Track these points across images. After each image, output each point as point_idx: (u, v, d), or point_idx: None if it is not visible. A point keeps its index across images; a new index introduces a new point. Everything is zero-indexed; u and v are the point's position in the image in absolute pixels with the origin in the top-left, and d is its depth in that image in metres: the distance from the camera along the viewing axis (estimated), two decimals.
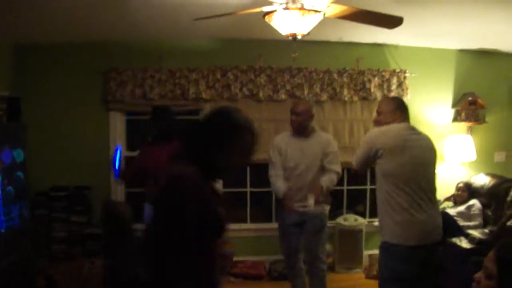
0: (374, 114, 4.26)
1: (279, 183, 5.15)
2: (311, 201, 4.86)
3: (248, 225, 6.93)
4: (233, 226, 6.76)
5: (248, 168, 6.79)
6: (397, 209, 3.75)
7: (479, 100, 6.51)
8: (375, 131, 4.04)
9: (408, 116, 4.07)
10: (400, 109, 4.03)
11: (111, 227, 3.90)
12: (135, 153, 6.17)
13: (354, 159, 4.20)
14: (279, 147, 5.22)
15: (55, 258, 6.07)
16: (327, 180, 5.05)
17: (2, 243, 4.94)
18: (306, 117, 5.09)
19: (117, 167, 5.02)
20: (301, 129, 5.12)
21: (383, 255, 3.91)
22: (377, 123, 4.12)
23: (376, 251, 5.37)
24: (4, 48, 6.19)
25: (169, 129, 4.94)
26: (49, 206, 6.18)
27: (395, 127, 3.91)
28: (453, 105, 6.75)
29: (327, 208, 5.22)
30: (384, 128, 3.94)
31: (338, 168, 5.16)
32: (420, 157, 3.84)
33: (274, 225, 6.42)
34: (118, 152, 4.97)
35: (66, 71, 6.45)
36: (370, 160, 3.98)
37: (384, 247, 3.88)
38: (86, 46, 6.41)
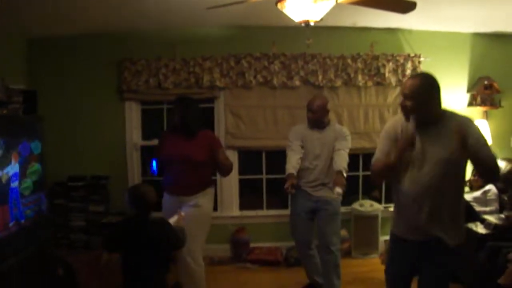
0: (407, 101, 3.36)
1: (288, 163, 5.19)
2: (338, 190, 4.85)
3: (265, 212, 6.96)
4: (249, 213, 6.89)
5: (263, 155, 6.83)
6: None
7: (495, 84, 6.44)
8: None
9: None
10: (436, 90, 3.42)
11: (138, 208, 3.93)
12: (151, 143, 6.36)
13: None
14: (300, 134, 5.25)
15: (74, 248, 6.15)
16: (341, 161, 5.02)
17: (22, 233, 5.00)
18: (322, 113, 5.14)
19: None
20: (318, 124, 5.18)
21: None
22: (406, 110, 3.39)
23: None
24: (18, 42, 6.28)
25: (195, 121, 4.99)
26: (67, 196, 6.26)
27: None
28: (468, 90, 6.68)
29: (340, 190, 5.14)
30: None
31: (347, 149, 5.12)
32: None
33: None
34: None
35: (80, 63, 6.53)
36: None
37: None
38: (99, 37, 6.46)
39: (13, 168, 4.87)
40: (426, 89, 3.38)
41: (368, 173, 6.45)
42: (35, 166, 5.36)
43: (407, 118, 3.44)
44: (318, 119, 5.14)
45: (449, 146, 3.24)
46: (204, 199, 4.91)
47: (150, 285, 3.85)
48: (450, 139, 3.21)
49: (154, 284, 3.87)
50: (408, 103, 3.35)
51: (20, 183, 5.00)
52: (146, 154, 6.67)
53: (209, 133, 5.15)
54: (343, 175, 4.93)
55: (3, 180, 4.68)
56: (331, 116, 5.34)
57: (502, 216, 5.51)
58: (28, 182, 5.18)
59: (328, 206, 5.11)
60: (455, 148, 3.17)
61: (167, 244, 3.95)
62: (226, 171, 5.06)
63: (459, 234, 3.46)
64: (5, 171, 4.69)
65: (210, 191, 5.02)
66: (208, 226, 5.00)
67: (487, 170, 3.36)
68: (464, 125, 3.25)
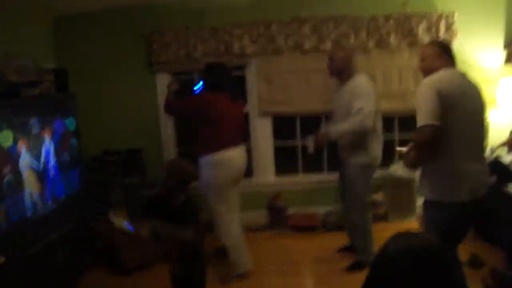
0: (418, 62, 3.93)
1: None
2: (310, 144, 4.89)
3: (300, 177, 6.95)
4: (285, 179, 6.88)
5: (297, 120, 6.79)
6: (449, 165, 3.56)
7: None
8: (426, 81, 3.57)
9: (455, 61, 3.81)
10: (446, 53, 3.79)
11: (174, 184, 3.96)
12: None
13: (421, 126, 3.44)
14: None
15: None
16: (339, 125, 4.96)
17: (62, 209, 5.10)
18: (339, 63, 5.02)
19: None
20: (336, 74, 5.08)
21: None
22: (423, 70, 3.83)
23: None
24: (45, 20, 6.28)
25: (221, 80, 5.03)
26: (104, 170, 6.29)
27: (448, 73, 3.64)
28: (505, 47, 6.44)
29: (360, 158, 5.03)
30: (435, 76, 3.60)
31: (359, 104, 4.75)
32: (474, 109, 3.61)
33: (326, 176, 6.51)
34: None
35: (108, 38, 6.49)
36: (439, 113, 3.42)
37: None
38: (127, 11, 6.39)
39: (49, 145, 4.95)
40: (433, 50, 3.83)
41: (404, 136, 6.50)
42: (71, 143, 5.44)
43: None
44: (333, 69, 5.06)
45: None
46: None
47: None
48: None
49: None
50: (420, 64, 3.89)
51: (56, 160, 5.08)
52: (180, 125, 6.71)
53: None
54: (326, 135, 4.93)
55: (40, 158, 4.76)
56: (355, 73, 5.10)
57: None
58: (64, 158, 5.26)
59: (347, 169, 5.12)
60: None
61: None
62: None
63: (429, 188, 3.69)
64: (41, 149, 4.77)
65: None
66: (213, 193, 5.01)
67: None
68: None
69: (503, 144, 5.94)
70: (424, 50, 3.92)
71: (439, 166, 3.58)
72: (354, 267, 5.17)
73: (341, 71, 5.01)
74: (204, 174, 4.93)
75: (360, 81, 4.97)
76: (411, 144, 3.71)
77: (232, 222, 5.06)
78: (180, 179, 3.90)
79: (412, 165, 3.88)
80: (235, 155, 5.02)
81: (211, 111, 4.88)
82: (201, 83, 5.20)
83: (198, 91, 5.18)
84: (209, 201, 4.98)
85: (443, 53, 3.79)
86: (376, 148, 5.07)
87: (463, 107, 3.51)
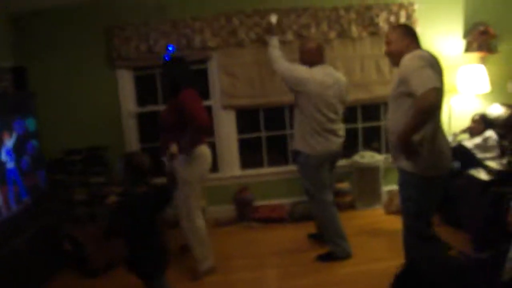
0: (384, 47, 4.02)
1: None
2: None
3: (266, 170, 6.93)
4: (251, 171, 6.87)
5: (261, 112, 6.78)
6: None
7: (491, 29, 6.30)
8: (416, 53, 3.61)
9: (419, 42, 3.88)
10: (410, 34, 3.86)
11: (132, 177, 3.91)
12: (147, 109, 6.36)
13: (421, 90, 3.39)
14: None
15: (79, 221, 6.12)
16: None
17: (25, 212, 5.00)
18: (308, 55, 5.04)
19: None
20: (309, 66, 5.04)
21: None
22: (390, 54, 3.93)
23: (394, 187, 5.54)
24: (1, 18, 6.08)
25: (178, 79, 4.85)
26: (66, 170, 6.18)
27: (425, 52, 3.70)
28: (464, 36, 6.55)
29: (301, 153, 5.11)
30: (419, 51, 3.67)
31: None
32: None
33: (291, 167, 6.47)
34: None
35: (67, 34, 6.33)
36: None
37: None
38: (86, 6, 6.26)
39: (9, 147, 4.83)
40: (397, 33, 3.90)
41: (367, 124, 6.56)
42: (32, 143, 5.33)
43: (391, 63, 4.01)
44: (306, 61, 5.04)
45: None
46: (179, 163, 4.70)
47: (152, 249, 3.85)
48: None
49: (155, 247, 3.90)
50: (386, 48, 3.97)
51: (17, 162, 4.97)
52: (143, 120, 6.66)
53: (184, 93, 4.74)
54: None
55: (0, 160, 4.65)
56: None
57: (503, 161, 5.51)
58: (26, 159, 5.15)
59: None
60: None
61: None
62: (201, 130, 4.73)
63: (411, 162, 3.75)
64: (1, 150, 4.65)
65: (184, 156, 4.76)
66: (189, 188, 4.83)
67: None
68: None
69: (465, 130, 6.06)
70: (388, 34, 3.99)
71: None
72: (323, 258, 5.19)
73: (313, 63, 4.99)
74: (186, 170, 4.78)
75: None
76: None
77: (200, 217, 5.00)
78: (137, 172, 3.86)
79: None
80: (207, 149, 4.98)
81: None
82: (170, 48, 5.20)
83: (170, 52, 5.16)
84: (180, 198, 4.90)
85: (407, 34, 3.86)
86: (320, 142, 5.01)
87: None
